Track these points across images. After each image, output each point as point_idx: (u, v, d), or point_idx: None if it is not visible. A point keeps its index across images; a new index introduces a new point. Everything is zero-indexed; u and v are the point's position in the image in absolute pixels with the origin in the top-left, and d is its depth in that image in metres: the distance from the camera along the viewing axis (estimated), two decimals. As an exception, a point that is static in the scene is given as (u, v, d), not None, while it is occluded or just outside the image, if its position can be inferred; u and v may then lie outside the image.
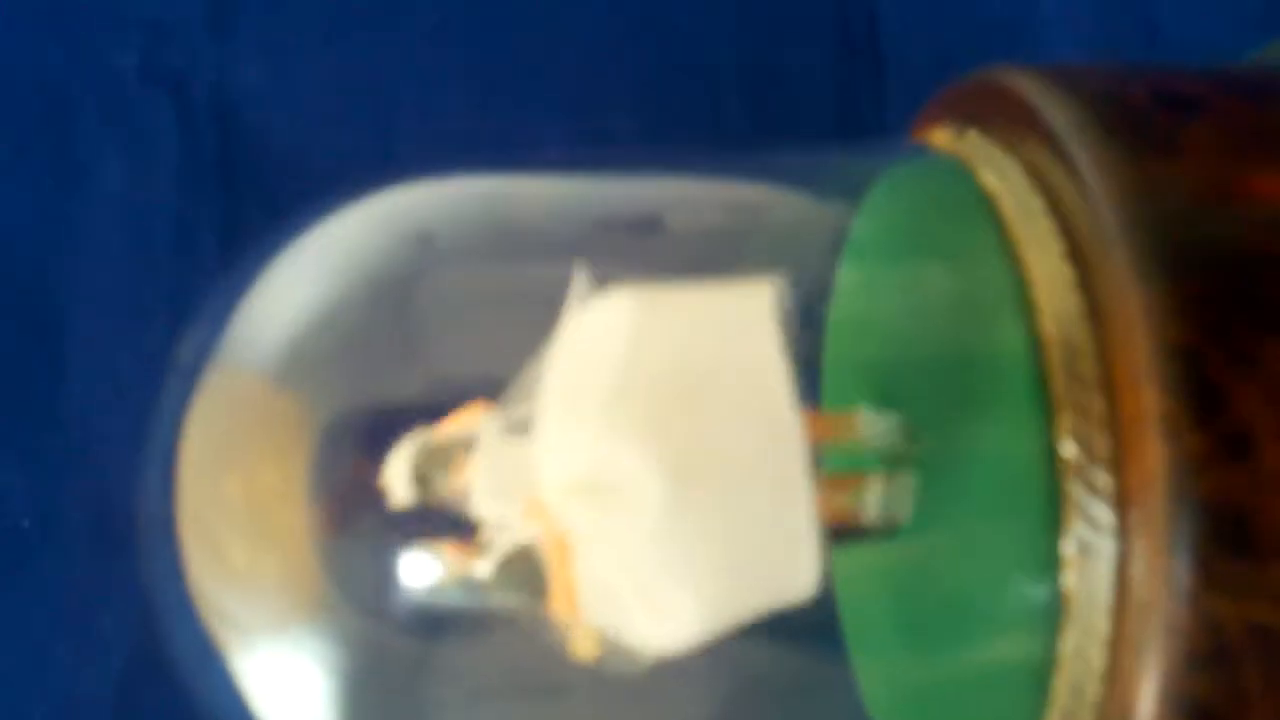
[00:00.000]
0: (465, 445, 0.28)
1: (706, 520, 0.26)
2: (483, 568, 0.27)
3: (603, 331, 0.27)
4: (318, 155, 0.50)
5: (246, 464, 0.29)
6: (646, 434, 0.26)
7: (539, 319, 0.30)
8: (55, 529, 0.49)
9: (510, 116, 0.51)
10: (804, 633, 0.30)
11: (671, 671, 0.29)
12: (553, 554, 0.27)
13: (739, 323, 0.27)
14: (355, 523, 0.28)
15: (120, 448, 0.48)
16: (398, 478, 0.28)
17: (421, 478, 0.28)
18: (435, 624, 0.28)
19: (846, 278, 0.31)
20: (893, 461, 0.29)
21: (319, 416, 0.29)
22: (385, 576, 0.28)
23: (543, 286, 0.30)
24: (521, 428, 0.27)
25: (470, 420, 0.28)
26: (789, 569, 0.26)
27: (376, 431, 0.28)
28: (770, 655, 0.30)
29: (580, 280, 0.28)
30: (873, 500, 0.29)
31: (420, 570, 0.28)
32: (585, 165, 0.32)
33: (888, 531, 0.29)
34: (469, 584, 0.27)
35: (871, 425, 0.29)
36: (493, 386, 0.28)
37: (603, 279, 0.29)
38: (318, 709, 0.29)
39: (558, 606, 0.27)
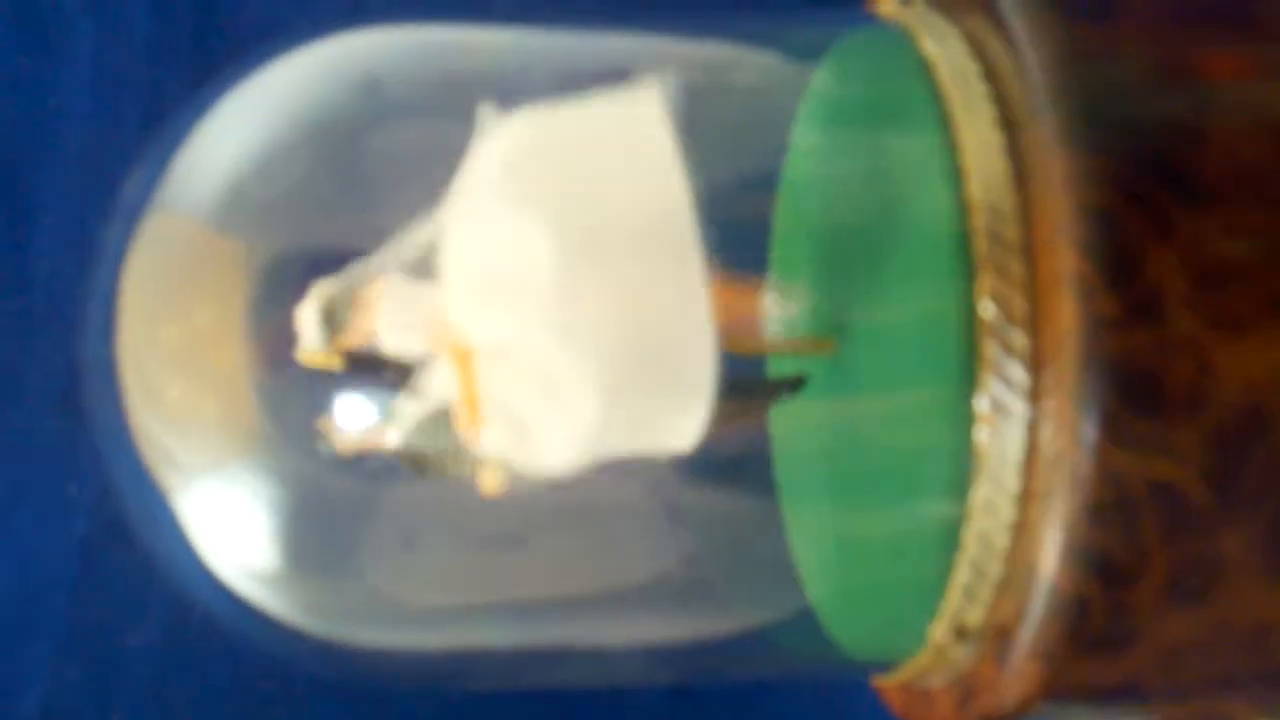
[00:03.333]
0: (370, 287, 0.28)
1: (598, 294, 0.26)
2: (409, 407, 0.28)
3: (500, 147, 0.27)
4: (290, 25, 0.50)
5: (184, 306, 0.29)
6: (537, 206, 0.26)
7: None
8: (20, 393, 0.49)
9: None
10: (740, 486, 0.31)
11: (608, 520, 0.30)
12: (457, 366, 0.27)
13: (631, 119, 0.27)
14: (290, 363, 0.28)
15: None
16: (307, 323, 0.28)
17: (329, 320, 0.28)
18: (372, 462, 0.29)
19: (799, 140, 0.31)
20: None
21: (256, 259, 0.29)
22: (321, 415, 0.29)
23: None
24: (423, 266, 0.28)
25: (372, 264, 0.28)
26: (687, 359, 0.26)
27: (312, 274, 0.28)
28: (707, 505, 0.31)
29: (486, 114, 0.28)
30: None
31: (354, 409, 0.28)
32: (543, 21, 0.32)
33: None
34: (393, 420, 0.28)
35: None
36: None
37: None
38: (257, 545, 0.30)
39: (463, 420, 0.27)
